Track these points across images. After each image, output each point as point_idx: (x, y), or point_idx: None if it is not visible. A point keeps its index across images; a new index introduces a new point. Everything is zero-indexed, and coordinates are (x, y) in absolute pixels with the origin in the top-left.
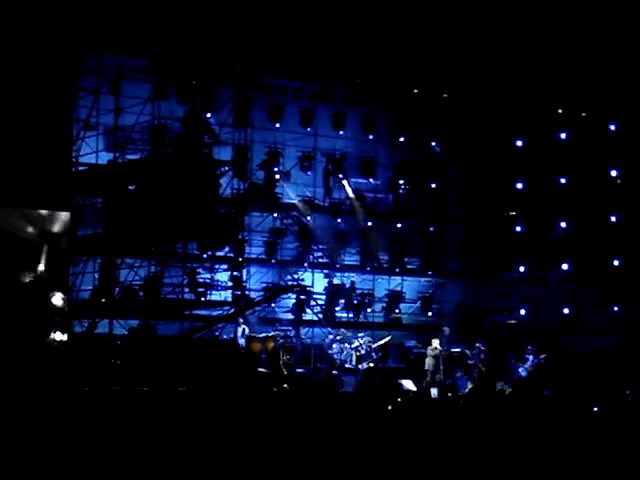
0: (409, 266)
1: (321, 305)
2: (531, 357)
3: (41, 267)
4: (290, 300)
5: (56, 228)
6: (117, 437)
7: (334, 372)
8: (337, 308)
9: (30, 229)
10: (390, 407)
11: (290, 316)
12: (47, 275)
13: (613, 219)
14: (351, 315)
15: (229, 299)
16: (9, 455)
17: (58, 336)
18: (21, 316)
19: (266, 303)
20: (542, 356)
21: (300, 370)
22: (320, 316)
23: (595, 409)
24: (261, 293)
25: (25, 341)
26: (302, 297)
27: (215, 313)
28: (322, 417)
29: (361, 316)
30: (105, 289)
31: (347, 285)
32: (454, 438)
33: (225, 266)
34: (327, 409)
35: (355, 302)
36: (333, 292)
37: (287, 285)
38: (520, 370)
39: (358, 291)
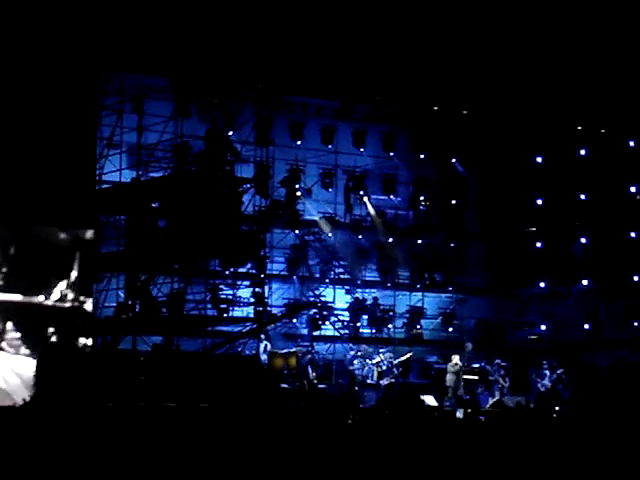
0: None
1: (342, 321)
2: (548, 372)
3: (74, 274)
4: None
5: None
6: (140, 453)
7: (355, 388)
8: (358, 324)
9: (62, 236)
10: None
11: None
12: (79, 282)
13: (633, 235)
14: (373, 331)
15: (251, 315)
16: (31, 466)
17: (84, 341)
18: (57, 323)
19: (286, 319)
20: (559, 371)
21: (322, 386)
22: (342, 332)
23: (612, 423)
24: (283, 309)
25: (59, 346)
26: (323, 313)
27: (237, 329)
28: (344, 432)
29: (382, 332)
30: (147, 306)
31: (368, 301)
32: (475, 454)
33: (247, 282)
34: (349, 424)
35: (376, 318)
36: (356, 308)
37: (307, 302)
38: (539, 385)
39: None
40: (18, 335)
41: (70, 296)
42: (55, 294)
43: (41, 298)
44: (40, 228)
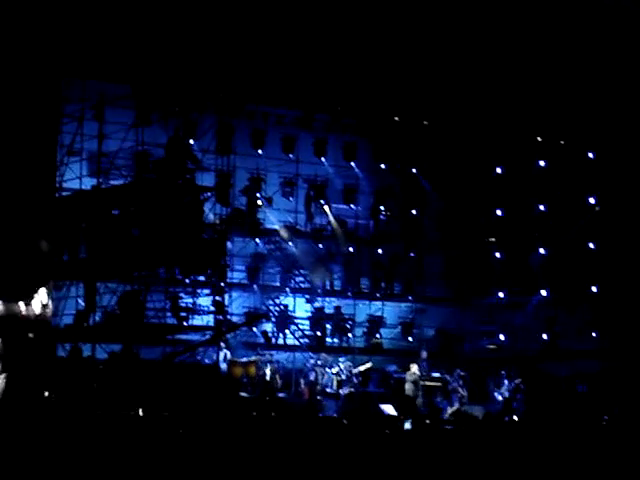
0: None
1: (302, 330)
2: (506, 382)
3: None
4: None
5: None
6: (97, 461)
7: (317, 397)
8: (318, 333)
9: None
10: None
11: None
12: None
13: (591, 246)
14: (335, 340)
15: (211, 324)
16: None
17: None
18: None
19: (244, 328)
20: (517, 380)
21: (281, 395)
22: (302, 341)
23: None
24: (243, 318)
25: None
26: (282, 322)
27: (197, 338)
28: (305, 442)
29: (342, 341)
30: (88, 314)
31: (327, 310)
32: (437, 463)
33: (207, 291)
34: (309, 434)
35: (338, 327)
36: (318, 317)
37: (263, 313)
38: (496, 395)
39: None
40: None
41: (50, 306)
42: (35, 302)
43: (21, 306)
44: (19, 236)
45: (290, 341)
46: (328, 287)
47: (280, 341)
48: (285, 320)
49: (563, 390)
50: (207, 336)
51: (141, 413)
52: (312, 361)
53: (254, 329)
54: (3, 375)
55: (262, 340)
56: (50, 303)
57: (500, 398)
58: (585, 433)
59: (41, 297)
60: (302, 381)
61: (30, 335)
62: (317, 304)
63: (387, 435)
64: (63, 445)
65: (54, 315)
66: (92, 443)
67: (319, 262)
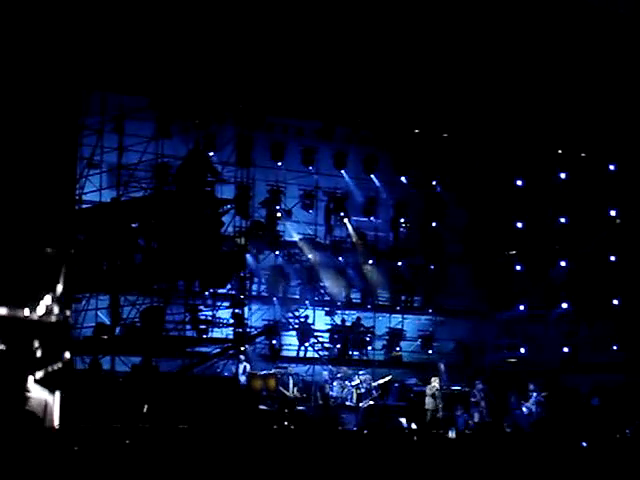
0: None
1: (322, 342)
2: (534, 394)
3: (60, 287)
4: (292, 338)
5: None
6: (118, 474)
7: (332, 410)
8: (338, 346)
9: (49, 250)
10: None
11: (293, 354)
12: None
13: (612, 258)
14: (355, 353)
15: (230, 336)
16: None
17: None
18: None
19: (265, 341)
20: (543, 394)
21: (301, 408)
22: (321, 353)
23: (592, 447)
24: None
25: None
26: (301, 335)
27: (216, 350)
28: (323, 456)
29: (362, 354)
30: (114, 327)
31: (348, 322)
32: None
33: (227, 303)
34: (328, 447)
35: (358, 339)
36: (338, 330)
37: (265, 327)
38: (523, 408)
39: (360, 329)
40: (2, 347)
41: (56, 310)
42: (41, 308)
43: (27, 312)
44: (26, 241)
45: (310, 354)
46: (345, 299)
47: (301, 354)
48: (306, 332)
49: (579, 404)
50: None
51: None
52: (325, 373)
53: (274, 342)
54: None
55: (282, 353)
56: (56, 309)
57: (526, 411)
58: (597, 446)
59: (46, 303)
60: (319, 394)
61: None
62: (337, 317)
63: (404, 447)
64: (82, 459)
65: (73, 328)
66: (110, 455)
67: (338, 274)
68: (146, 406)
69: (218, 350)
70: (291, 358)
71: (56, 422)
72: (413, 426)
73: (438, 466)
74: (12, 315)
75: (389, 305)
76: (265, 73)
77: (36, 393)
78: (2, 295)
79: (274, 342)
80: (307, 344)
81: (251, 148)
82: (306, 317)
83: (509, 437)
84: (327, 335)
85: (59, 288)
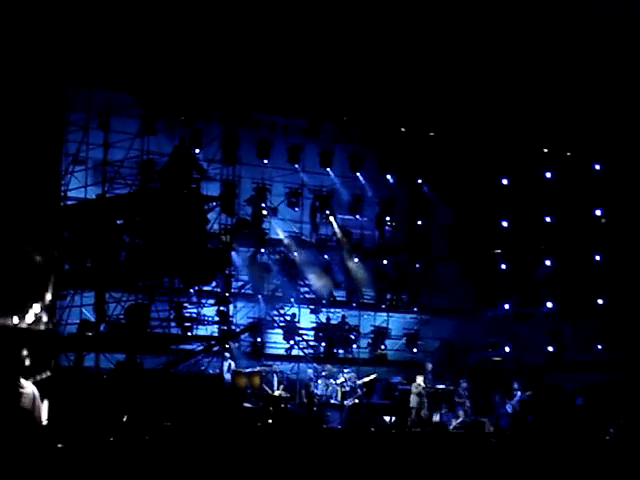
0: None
1: (307, 341)
2: (519, 393)
3: (48, 296)
4: (278, 335)
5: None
6: (103, 472)
7: (317, 408)
8: (323, 344)
9: (37, 257)
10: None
11: (278, 351)
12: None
13: (597, 258)
14: (340, 351)
15: (216, 334)
16: None
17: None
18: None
19: (231, 342)
20: (528, 393)
21: (285, 405)
22: (306, 351)
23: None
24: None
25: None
26: (286, 332)
27: (200, 348)
28: (308, 454)
29: (347, 352)
30: (99, 323)
31: (333, 320)
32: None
33: (212, 301)
34: (313, 445)
35: (343, 337)
36: (323, 328)
37: (248, 325)
38: (507, 406)
39: (345, 327)
40: None
41: (44, 318)
42: (29, 316)
43: (15, 320)
44: (14, 248)
45: (295, 352)
46: (330, 297)
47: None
48: (292, 331)
49: (564, 403)
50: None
51: (125, 419)
52: (310, 371)
53: (258, 339)
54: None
55: (267, 351)
56: (44, 316)
57: (510, 410)
58: (583, 446)
59: (35, 311)
60: (304, 392)
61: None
62: (322, 315)
63: (389, 446)
64: (65, 456)
65: (57, 325)
66: (94, 453)
67: (323, 272)
68: (125, 416)
69: (201, 347)
70: (276, 356)
71: (44, 418)
72: (393, 421)
73: (423, 464)
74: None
75: (374, 303)
76: (251, 71)
77: (26, 388)
78: None
79: (257, 340)
80: (292, 342)
81: (237, 146)
82: (292, 315)
83: (490, 437)
84: (312, 333)
85: (48, 296)
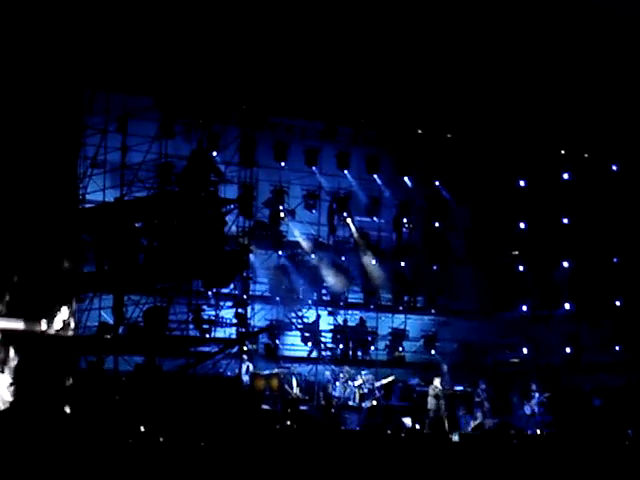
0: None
1: (325, 342)
2: (537, 394)
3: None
4: (295, 338)
5: None
6: (122, 473)
7: (333, 410)
8: (341, 346)
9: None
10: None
11: (296, 354)
12: None
13: (615, 259)
14: (358, 353)
15: (234, 336)
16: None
17: None
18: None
19: (246, 343)
20: (546, 394)
21: (303, 408)
22: (325, 353)
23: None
24: (268, 331)
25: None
26: (305, 334)
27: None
28: (326, 456)
29: (360, 353)
30: (117, 326)
31: (350, 322)
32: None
33: (230, 303)
34: (331, 447)
35: (361, 340)
36: (341, 330)
37: (261, 328)
38: (526, 408)
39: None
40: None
41: (72, 324)
42: (57, 322)
43: (43, 325)
44: (42, 255)
45: (313, 354)
46: (346, 292)
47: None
48: (312, 334)
49: (582, 404)
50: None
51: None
52: (327, 373)
53: (277, 341)
54: (11, 388)
55: (284, 353)
56: (72, 321)
57: (529, 411)
58: (601, 446)
59: (63, 316)
60: (322, 394)
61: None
62: (339, 317)
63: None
64: (82, 458)
65: (77, 327)
66: (112, 456)
67: (340, 273)
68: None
69: (216, 349)
70: (294, 358)
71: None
72: (417, 427)
73: (440, 467)
74: (29, 329)
75: (392, 305)
76: (269, 73)
77: None
78: (19, 308)
79: (270, 342)
80: (310, 344)
81: (254, 148)
82: (317, 317)
83: (513, 439)
84: (330, 335)
85: (74, 301)
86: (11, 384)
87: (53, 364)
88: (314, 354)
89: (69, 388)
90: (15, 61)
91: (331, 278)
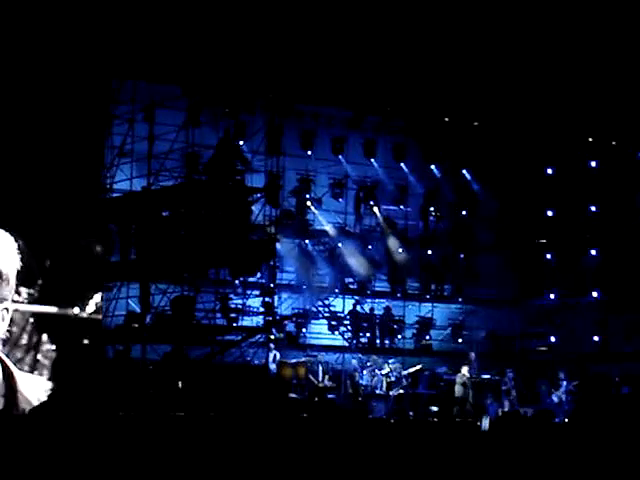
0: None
1: (351, 331)
2: (565, 383)
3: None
4: (322, 326)
5: None
6: (149, 462)
7: (360, 399)
8: (367, 334)
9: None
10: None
11: (322, 342)
12: None
13: None
14: (384, 341)
15: (260, 324)
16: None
17: None
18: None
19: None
20: (574, 382)
21: (331, 396)
22: (350, 342)
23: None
24: (292, 319)
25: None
26: (331, 322)
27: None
28: (353, 444)
29: (393, 342)
30: (144, 315)
31: (377, 311)
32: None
33: (257, 292)
34: (358, 436)
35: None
36: (367, 318)
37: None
38: (553, 396)
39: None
40: (53, 347)
41: (102, 307)
42: (90, 306)
43: (76, 310)
44: (75, 240)
45: (339, 342)
46: (372, 278)
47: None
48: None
49: (611, 392)
50: (256, 337)
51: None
52: (354, 361)
53: (303, 330)
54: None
55: (311, 341)
56: (102, 306)
57: (556, 400)
58: (629, 434)
59: (96, 301)
60: (349, 382)
61: (85, 341)
62: (366, 305)
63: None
64: (114, 446)
65: (104, 316)
66: (142, 444)
67: (366, 261)
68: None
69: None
70: (321, 346)
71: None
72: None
73: (468, 455)
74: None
75: (419, 294)
76: (295, 62)
77: None
78: (51, 294)
79: (292, 330)
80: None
81: (281, 137)
82: (356, 304)
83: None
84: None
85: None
86: (50, 389)
87: (87, 351)
88: (340, 342)
89: (98, 377)
90: (43, 51)
91: (354, 262)
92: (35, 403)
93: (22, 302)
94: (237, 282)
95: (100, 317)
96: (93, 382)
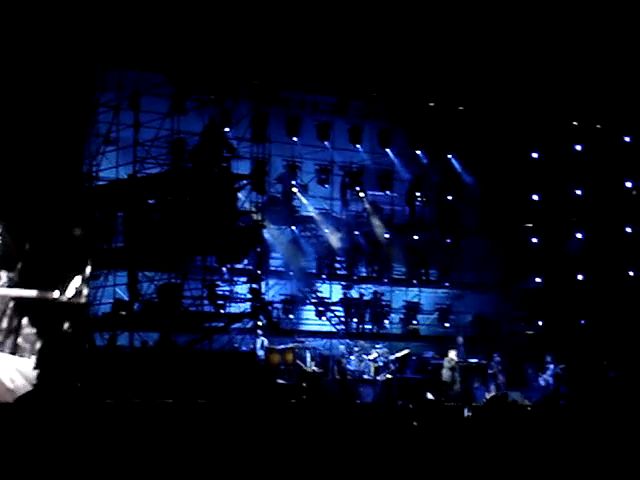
0: None
1: (339, 317)
2: (551, 366)
3: (89, 269)
4: (309, 312)
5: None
6: (137, 449)
7: (350, 384)
8: (355, 320)
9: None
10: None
11: (310, 327)
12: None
13: (628, 230)
14: (369, 326)
15: (248, 311)
16: (29, 465)
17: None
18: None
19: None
20: (561, 366)
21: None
22: (338, 327)
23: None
24: (279, 305)
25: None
26: (319, 308)
27: (234, 325)
28: (341, 429)
29: (376, 327)
30: (132, 302)
31: (365, 296)
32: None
33: (244, 279)
34: (346, 421)
35: (376, 313)
36: (355, 303)
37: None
38: (540, 380)
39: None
40: (34, 330)
41: (85, 291)
42: (70, 290)
43: (56, 293)
44: (55, 224)
45: (327, 328)
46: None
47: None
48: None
49: (598, 375)
50: (245, 324)
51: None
52: (342, 347)
53: (291, 316)
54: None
55: (299, 327)
56: (85, 290)
57: (543, 383)
58: (616, 416)
59: (76, 284)
60: (336, 368)
61: (66, 325)
62: (353, 291)
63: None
64: (102, 434)
65: (91, 304)
66: (130, 432)
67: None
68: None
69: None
70: (308, 332)
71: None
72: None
73: (454, 440)
74: (42, 297)
75: (405, 279)
76: (280, 48)
77: None
78: (31, 277)
79: (274, 317)
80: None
81: (266, 124)
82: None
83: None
84: (342, 309)
85: (87, 269)
86: (35, 368)
87: (70, 335)
88: (327, 328)
89: (82, 363)
90: (27, 39)
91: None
92: (7, 382)
93: (1, 286)
94: (224, 269)
95: (81, 301)
96: (80, 370)
